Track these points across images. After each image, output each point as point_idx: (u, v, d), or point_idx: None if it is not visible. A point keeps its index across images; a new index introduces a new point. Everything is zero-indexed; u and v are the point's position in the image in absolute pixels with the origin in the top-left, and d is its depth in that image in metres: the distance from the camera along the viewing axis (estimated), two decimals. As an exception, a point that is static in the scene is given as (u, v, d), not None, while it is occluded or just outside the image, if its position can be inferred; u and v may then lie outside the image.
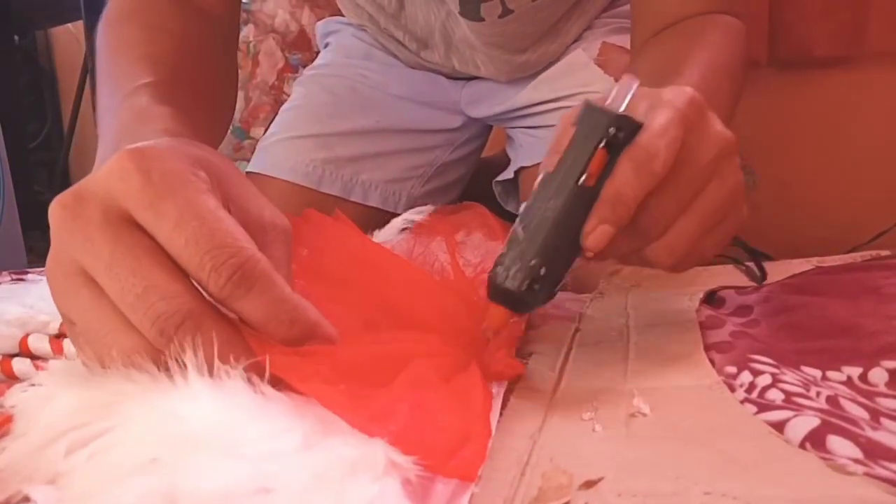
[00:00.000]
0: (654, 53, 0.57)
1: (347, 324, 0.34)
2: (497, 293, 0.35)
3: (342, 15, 0.93)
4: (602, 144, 0.34)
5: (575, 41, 0.80)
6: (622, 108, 0.35)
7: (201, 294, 0.29)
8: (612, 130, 0.34)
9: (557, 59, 0.80)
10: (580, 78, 0.77)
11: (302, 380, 0.29)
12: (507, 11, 0.73)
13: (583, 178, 0.34)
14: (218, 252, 0.28)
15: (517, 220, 0.35)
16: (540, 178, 0.35)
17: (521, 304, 0.35)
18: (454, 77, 0.87)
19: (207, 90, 0.53)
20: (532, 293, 0.34)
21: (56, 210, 0.30)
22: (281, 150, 0.84)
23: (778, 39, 0.93)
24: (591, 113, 0.35)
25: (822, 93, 0.96)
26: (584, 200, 0.34)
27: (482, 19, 0.73)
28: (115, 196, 0.29)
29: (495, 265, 0.34)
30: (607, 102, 0.35)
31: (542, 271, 0.34)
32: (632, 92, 0.35)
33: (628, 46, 0.70)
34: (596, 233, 0.34)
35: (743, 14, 0.60)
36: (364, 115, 0.85)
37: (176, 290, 0.28)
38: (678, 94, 0.36)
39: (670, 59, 0.52)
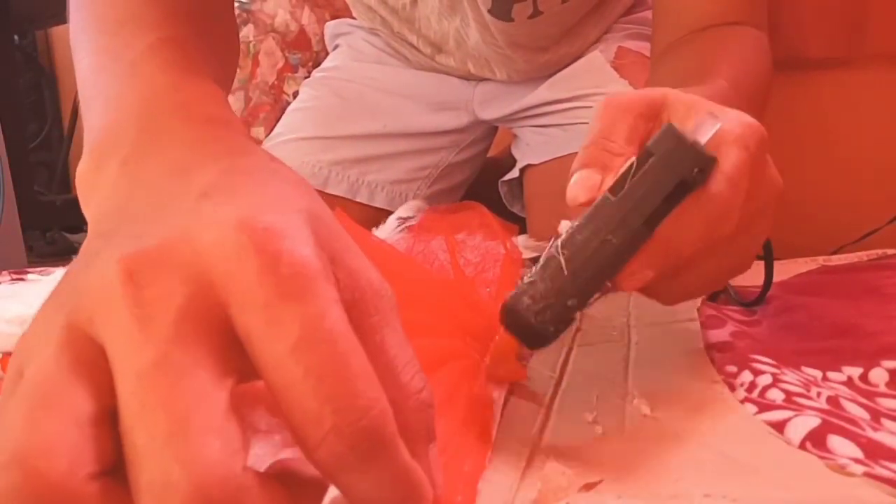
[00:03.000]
0: (678, 61, 0.55)
1: None
2: (516, 324, 0.30)
3: (343, 15, 0.93)
4: (681, 184, 0.29)
5: (593, 44, 0.81)
6: (704, 141, 0.30)
7: (250, 468, 0.19)
8: (696, 171, 0.29)
9: (574, 61, 0.81)
10: (595, 79, 0.78)
11: None
12: (537, 13, 0.73)
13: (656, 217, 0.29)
14: (349, 405, 0.19)
15: (558, 244, 0.30)
16: (597, 201, 0.30)
17: (538, 342, 0.31)
18: (467, 78, 0.87)
19: (221, 44, 0.44)
20: (552, 335, 0.30)
21: (115, 275, 0.19)
22: (287, 150, 0.84)
23: (773, 40, 0.93)
24: (675, 142, 0.29)
25: (823, 93, 0.96)
26: (637, 237, 0.30)
27: (512, 20, 0.74)
28: (213, 277, 0.20)
29: (521, 292, 0.30)
30: (688, 132, 0.30)
31: (577, 314, 0.30)
32: (714, 131, 0.30)
33: (645, 52, 0.70)
34: (637, 276, 0.30)
35: (764, 24, 0.58)
36: (372, 119, 0.85)
37: (218, 459, 0.18)
38: (750, 131, 0.32)
39: (695, 68, 0.49)
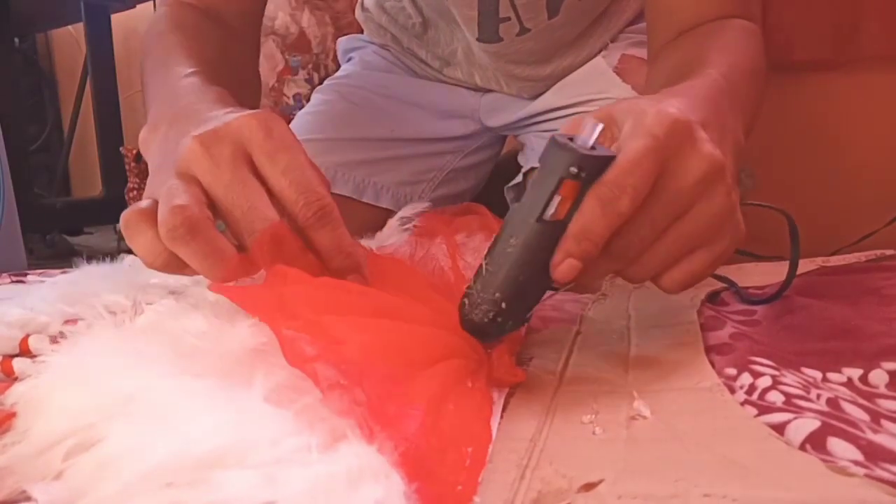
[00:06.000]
0: (671, 58, 0.57)
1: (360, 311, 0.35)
2: (465, 323, 0.36)
3: (343, 18, 0.95)
4: (563, 182, 0.34)
5: (597, 54, 0.82)
6: (590, 143, 0.34)
7: (286, 224, 0.38)
8: (573, 170, 0.33)
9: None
10: (599, 84, 0.79)
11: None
12: (524, 30, 0.75)
13: (546, 214, 0.34)
14: (310, 194, 0.38)
15: (486, 253, 0.36)
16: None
17: (485, 334, 0.36)
18: (475, 89, 0.89)
19: (238, 89, 0.60)
20: (496, 325, 0.35)
21: (195, 144, 0.38)
22: None
23: (767, 44, 0.94)
24: (554, 150, 0.34)
25: (821, 96, 0.96)
26: (549, 235, 0.34)
27: (501, 39, 0.76)
28: (243, 142, 0.39)
29: (463, 297, 0.36)
30: (577, 139, 0.34)
31: (504, 305, 0.35)
32: (597, 132, 0.34)
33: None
34: (563, 266, 0.35)
35: (758, 18, 0.60)
36: (380, 124, 0.87)
37: (270, 216, 0.37)
38: (661, 120, 0.36)
39: (688, 62, 0.51)
